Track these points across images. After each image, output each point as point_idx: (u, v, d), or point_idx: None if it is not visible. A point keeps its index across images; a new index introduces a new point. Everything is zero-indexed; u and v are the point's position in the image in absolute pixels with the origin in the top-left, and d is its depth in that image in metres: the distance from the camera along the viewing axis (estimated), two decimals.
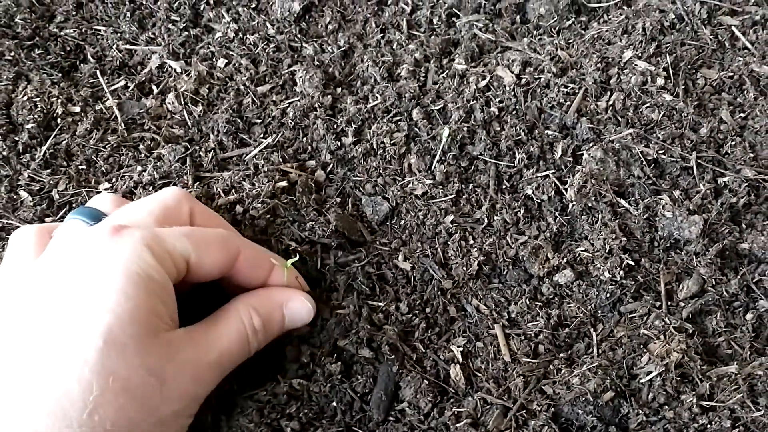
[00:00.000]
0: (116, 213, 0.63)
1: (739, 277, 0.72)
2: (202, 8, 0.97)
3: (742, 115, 0.82)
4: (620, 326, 0.70)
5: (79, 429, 0.48)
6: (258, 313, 0.62)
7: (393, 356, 0.67)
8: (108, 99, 0.87)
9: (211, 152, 0.82)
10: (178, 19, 0.95)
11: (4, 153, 0.81)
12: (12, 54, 0.90)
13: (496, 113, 0.84)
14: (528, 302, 0.72)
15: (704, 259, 0.72)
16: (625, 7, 0.93)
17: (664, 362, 0.65)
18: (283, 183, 0.78)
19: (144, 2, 0.98)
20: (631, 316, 0.70)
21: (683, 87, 0.83)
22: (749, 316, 0.70)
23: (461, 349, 0.68)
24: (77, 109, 0.86)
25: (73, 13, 0.97)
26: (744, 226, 0.76)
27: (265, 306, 0.63)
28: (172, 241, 0.58)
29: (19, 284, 0.57)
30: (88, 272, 0.53)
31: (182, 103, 0.86)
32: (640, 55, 0.85)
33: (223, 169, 0.81)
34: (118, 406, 0.49)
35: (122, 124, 0.85)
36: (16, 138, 0.82)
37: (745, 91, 0.83)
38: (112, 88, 0.89)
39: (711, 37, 0.85)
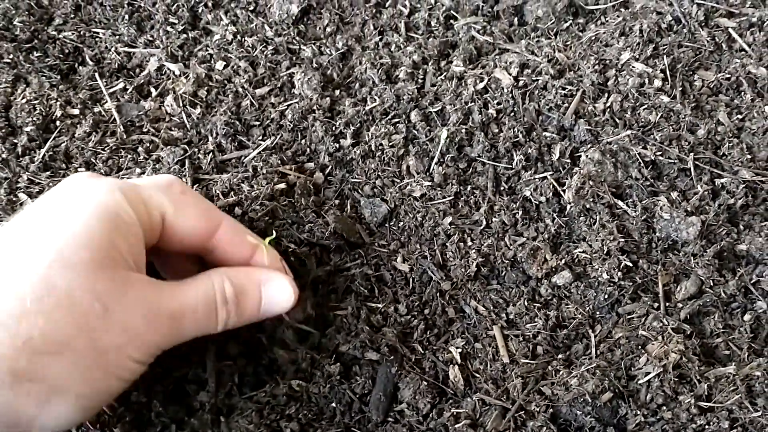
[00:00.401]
0: None
1: (737, 278, 0.72)
2: (200, 11, 0.97)
3: (740, 116, 0.82)
4: (618, 327, 0.70)
5: (6, 333, 0.49)
6: (232, 283, 0.61)
7: (392, 357, 0.67)
8: (107, 101, 0.88)
9: (210, 154, 0.82)
10: (176, 21, 0.96)
11: (4, 155, 0.81)
12: (11, 56, 0.90)
13: (494, 115, 0.84)
14: (526, 303, 0.72)
15: (702, 260, 0.73)
16: (622, 9, 0.93)
17: (662, 363, 0.65)
18: (282, 185, 0.78)
19: (142, 5, 0.98)
20: (630, 317, 0.71)
21: (680, 89, 0.83)
22: (747, 317, 0.70)
23: (460, 350, 0.69)
24: (76, 111, 0.86)
25: (72, 15, 0.97)
26: (742, 227, 0.76)
27: (240, 279, 0.62)
28: (148, 191, 0.59)
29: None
30: (58, 203, 0.56)
31: (181, 105, 0.86)
32: (637, 57, 0.85)
33: (222, 171, 0.81)
34: (50, 318, 0.50)
35: (121, 127, 0.85)
36: (15, 140, 0.82)
37: (743, 93, 0.84)
38: (111, 90, 0.89)
39: (708, 39, 0.86)
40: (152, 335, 0.55)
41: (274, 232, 0.68)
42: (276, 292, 0.63)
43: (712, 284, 0.72)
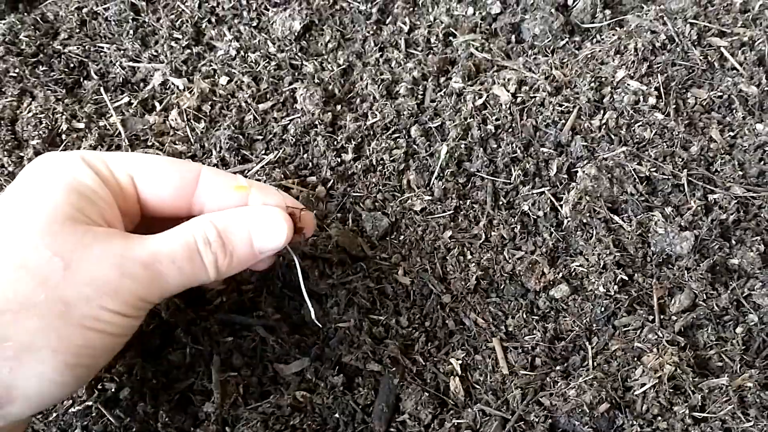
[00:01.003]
0: None
1: (729, 291, 0.74)
2: (204, 26, 0.99)
3: (731, 133, 0.85)
4: (615, 339, 0.72)
5: None
6: (214, 224, 0.58)
7: (394, 369, 0.68)
8: (112, 115, 0.89)
9: (214, 168, 0.83)
10: (180, 36, 0.97)
11: (10, 168, 0.82)
12: (17, 71, 0.91)
13: (493, 131, 0.86)
14: (525, 316, 0.74)
15: (695, 274, 0.74)
16: (617, 28, 0.95)
17: (657, 374, 0.67)
18: None
19: (147, 20, 0.99)
20: (625, 329, 0.72)
21: (674, 106, 0.85)
22: (739, 329, 0.72)
23: (460, 361, 0.70)
24: (81, 125, 0.87)
25: (77, 30, 0.99)
26: (734, 242, 0.78)
27: (224, 218, 0.59)
28: (112, 155, 0.59)
29: None
30: (21, 180, 0.56)
31: (185, 119, 0.88)
32: (632, 74, 0.87)
33: None
34: (6, 278, 0.50)
35: (126, 140, 0.86)
36: (22, 153, 0.84)
37: (734, 111, 0.86)
38: (116, 104, 0.91)
39: (701, 57, 0.88)
40: (126, 284, 0.54)
41: (244, 181, 0.63)
42: (267, 224, 0.60)
43: (705, 297, 0.74)
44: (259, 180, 0.82)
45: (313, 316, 0.65)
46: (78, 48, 0.96)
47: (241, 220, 0.60)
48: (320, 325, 0.69)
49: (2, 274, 0.50)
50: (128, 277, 0.54)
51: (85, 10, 1.00)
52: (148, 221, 0.62)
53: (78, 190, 0.55)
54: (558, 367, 0.70)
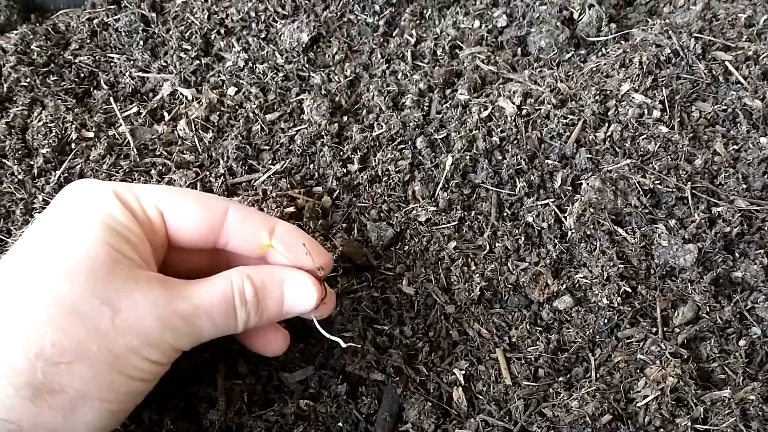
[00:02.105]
0: None
1: (732, 304, 0.74)
2: (213, 38, 1.00)
3: (735, 147, 0.85)
4: (618, 351, 0.72)
5: (18, 347, 0.49)
6: (252, 281, 0.60)
7: (397, 378, 0.69)
8: (121, 125, 0.90)
9: (221, 177, 0.84)
10: (189, 48, 0.98)
11: (20, 176, 0.83)
12: (28, 80, 0.92)
13: (498, 142, 0.86)
14: (528, 327, 0.74)
15: (699, 286, 0.75)
16: (622, 42, 0.96)
17: (659, 386, 0.67)
18: (291, 208, 0.80)
19: (156, 31, 1.01)
20: (628, 341, 0.73)
21: (678, 119, 0.86)
22: (742, 342, 0.72)
23: (463, 372, 0.71)
24: (91, 134, 0.88)
25: (88, 41, 1.00)
26: (737, 254, 0.78)
27: (260, 276, 0.61)
28: (142, 188, 0.60)
29: None
30: (56, 217, 0.57)
31: (193, 129, 0.89)
32: (637, 88, 0.88)
33: (232, 194, 0.83)
34: (59, 326, 0.51)
35: (134, 150, 0.87)
36: (32, 162, 0.85)
37: (738, 124, 0.86)
38: (125, 114, 0.92)
39: (705, 71, 0.88)
40: (167, 336, 0.55)
41: (267, 239, 0.63)
42: (299, 289, 0.62)
43: (708, 310, 0.74)
44: (265, 189, 0.83)
45: (342, 344, 0.66)
46: (88, 58, 0.98)
47: (277, 283, 0.62)
48: (357, 346, 0.70)
49: (55, 319, 0.51)
50: (169, 329, 0.55)
51: (96, 21, 1.02)
52: (173, 250, 0.63)
53: (113, 227, 0.56)
54: (561, 378, 0.70)
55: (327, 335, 0.65)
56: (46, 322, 0.51)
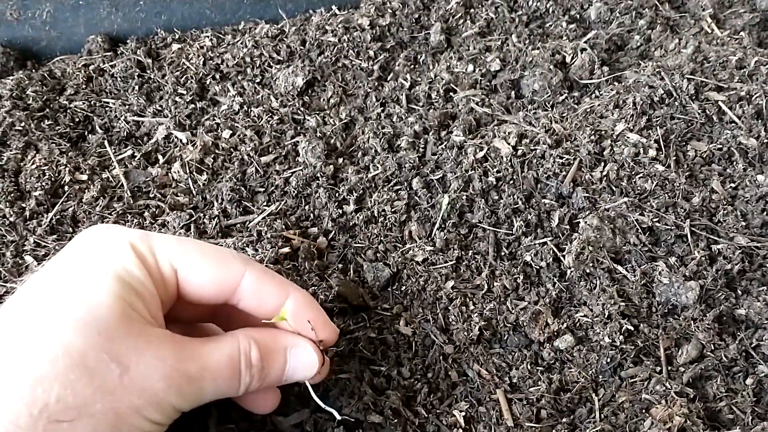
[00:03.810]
0: None
1: (737, 342, 0.72)
2: (208, 82, 1.01)
3: (733, 185, 0.85)
4: (621, 391, 0.70)
5: (21, 402, 0.47)
6: (258, 346, 0.59)
7: (395, 421, 0.67)
8: (115, 168, 0.90)
9: (215, 219, 0.83)
10: (184, 92, 0.99)
11: (11, 219, 0.82)
12: (22, 125, 0.92)
13: (494, 183, 0.86)
14: (529, 367, 0.72)
15: (702, 324, 0.73)
16: (615, 83, 0.97)
17: (666, 426, 0.65)
18: (287, 249, 0.79)
19: (152, 77, 1.01)
20: (632, 380, 0.71)
21: (674, 158, 0.86)
22: (749, 380, 0.70)
23: (464, 413, 0.68)
24: (84, 177, 0.88)
25: (83, 86, 1.00)
26: (740, 292, 0.77)
27: (267, 342, 0.60)
28: (159, 242, 0.58)
29: None
30: (70, 264, 0.55)
31: (187, 172, 0.88)
32: (631, 127, 0.88)
33: (226, 236, 0.82)
34: (67, 382, 0.48)
35: (128, 192, 0.87)
36: (24, 205, 0.84)
37: (735, 163, 0.86)
38: (119, 157, 0.92)
39: (699, 111, 0.89)
40: (171, 397, 0.53)
41: (283, 311, 0.64)
42: (302, 359, 0.62)
43: (713, 348, 0.72)
44: (260, 231, 0.81)
45: (338, 416, 0.65)
46: (84, 103, 0.98)
47: (282, 349, 0.61)
48: (351, 419, 0.67)
49: (62, 375, 0.49)
50: (174, 390, 0.54)
51: (92, 67, 1.03)
52: (180, 300, 0.62)
53: (128, 282, 0.54)
54: (564, 420, 0.68)
55: (321, 404, 0.64)
56: (54, 376, 0.48)
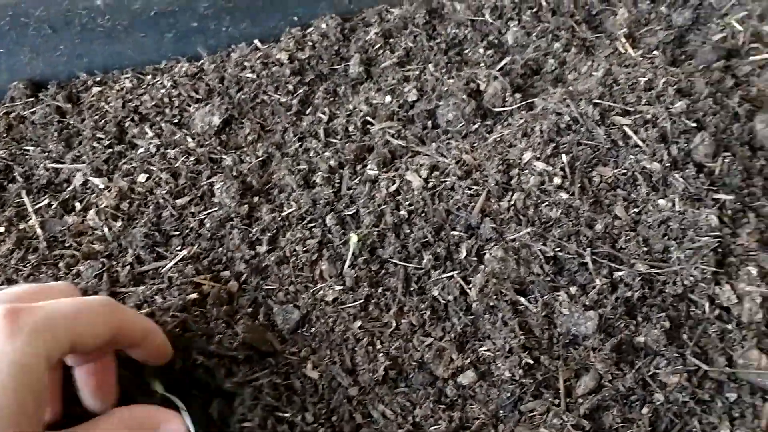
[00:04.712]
0: None
1: (634, 370, 0.74)
2: (126, 125, 1.01)
3: (636, 210, 0.86)
4: (520, 426, 0.71)
5: None
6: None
7: None
8: (31, 218, 0.90)
9: (128, 267, 0.84)
10: (103, 136, 0.99)
11: None
12: None
13: (406, 216, 0.87)
14: (432, 405, 0.73)
15: (600, 354, 0.75)
16: (524, 111, 0.98)
17: None
18: (195, 295, 0.80)
19: (72, 122, 1.02)
20: (531, 414, 0.72)
21: (579, 185, 0.87)
22: (645, 410, 0.72)
23: None
24: (2, 229, 0.88)
25: (4, 135, 1.01)
26: (640, 319, 0.78)
27: (139, 419, 0.62)
28: (63, 323, 0.57)
29: None
30: None
31: (103, 218, 0.89)
32: (538, 156, 0.89)
33: (139, 283, 0.83)
34: None
35: (44, 242, 0.87)
36: None
37: (638, 187, 0.87)
38: (37, 206, 0.92)
39: (605, 136, 0.90)
40: None
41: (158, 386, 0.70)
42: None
43: (610, 378, 0.74)
44: (171, 277, 0.82)
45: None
46: (4, 152, 0.98)
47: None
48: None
49: None
50: None
51: (12, 114, 1.03)
52: None
53: (28, 384, 0.52)
54: None
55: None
56: None
